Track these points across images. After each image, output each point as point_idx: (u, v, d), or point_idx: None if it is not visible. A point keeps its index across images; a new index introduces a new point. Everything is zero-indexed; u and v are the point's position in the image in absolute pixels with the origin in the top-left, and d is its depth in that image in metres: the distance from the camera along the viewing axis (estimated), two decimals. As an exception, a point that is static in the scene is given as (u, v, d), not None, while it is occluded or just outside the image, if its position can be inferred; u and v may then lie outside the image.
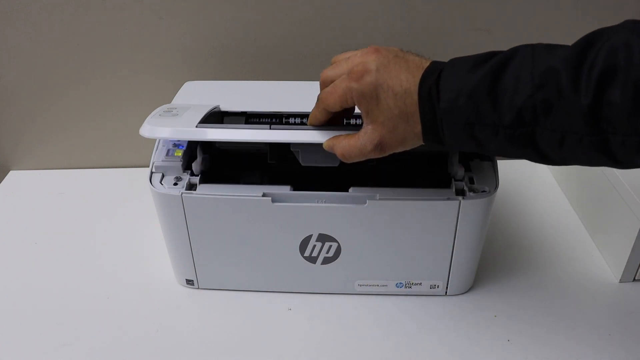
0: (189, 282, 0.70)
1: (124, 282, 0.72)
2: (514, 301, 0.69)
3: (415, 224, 0.62)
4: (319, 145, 0.54)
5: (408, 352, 0.63)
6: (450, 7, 0.82)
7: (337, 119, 0.55)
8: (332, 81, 0.51)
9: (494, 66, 0.43)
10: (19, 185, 0.93)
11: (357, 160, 0.51)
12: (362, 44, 0.53)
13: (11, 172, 0.96)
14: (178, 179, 0.62)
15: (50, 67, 0.85)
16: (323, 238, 0.63)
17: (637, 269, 0.71)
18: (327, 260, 0.65)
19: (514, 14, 0.82)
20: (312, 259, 0.65)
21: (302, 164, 0.60)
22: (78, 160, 0.96)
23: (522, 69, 0.42)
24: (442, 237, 0.63)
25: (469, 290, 0.71)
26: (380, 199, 0.60)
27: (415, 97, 0.46)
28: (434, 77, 0.45)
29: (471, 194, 0.60)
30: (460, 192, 0.60)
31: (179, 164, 0.62)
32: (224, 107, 0.66)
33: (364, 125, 0.50)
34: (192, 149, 0.66)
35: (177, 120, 0.58)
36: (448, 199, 0.59)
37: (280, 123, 0.64)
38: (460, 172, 0.61)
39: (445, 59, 0.47)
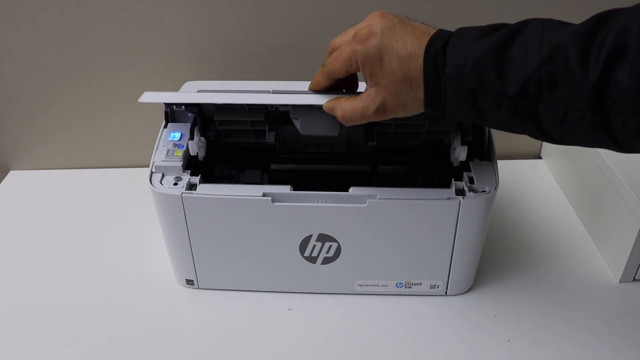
0: (189, 282, 0.70)
1: (124, 282, 0.72)
2: (514, 301, 0.69)
3: (415, 224, 0.62)
4: (319, 112, 0.54)
5: (408, 352, 0.63)
6: (450, 8, 0.82)
7: (338, 88, 0.55)
8: (338, 48, 0.51)
9: (502, 37, 0.43)
10: (19, 185, 0.93)
11: (357, 123, 0.51)
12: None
13: (11, 172, 0.96)
14: (178, 179, 0.62)
15: (50, 67, 0.85)
16: (323, 238, 0.63)
17: (637, 269, 0.71)
18: (327, 260, 0.65)
19: (513, 14, 0.82)
20: (312, 259, 0.65)
21: (302, 133, 0.58)
22: (78, 160, 0.96)
23: (531, 41, 0.42)
24: (442, 237, 0.63)
25: (469, 290, 0.71)
26: (380, 199, 0.60)
27: (420, 61, 0.45)
28: (441, 43, 0.45)
29: (471, 194, 0.60)
30: (460, 192, 0.60)
31: (179, 164, 0.62)
32: None
33: (366, 88, 0.50)
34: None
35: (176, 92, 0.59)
36: (448, 198, 0.59)
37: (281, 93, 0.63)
38: (463, 153, 0.61)
39: None
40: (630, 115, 0.39)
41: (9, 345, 0.64)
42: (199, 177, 0.62)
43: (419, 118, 0.56)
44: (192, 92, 0.62)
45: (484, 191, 0.60)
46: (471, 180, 0.62)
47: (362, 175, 0.69)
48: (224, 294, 0.70)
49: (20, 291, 0.71)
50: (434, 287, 0.68)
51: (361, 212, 0.60)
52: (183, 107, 0.65)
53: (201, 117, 0.65)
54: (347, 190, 0.60)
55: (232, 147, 0.69)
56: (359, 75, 0.52)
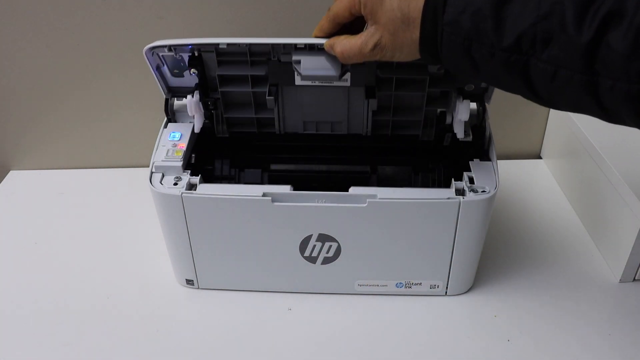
0: (189, 282, 0.70)
1: (124, 282, 0.72)
2: (514, 301, 0.69)
3: (415, 224, 0.62)
4: (321, 54, 0.56)
5: (408, 352, 0.63)
6: None
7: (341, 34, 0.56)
8: None
9: None
10: (19, 185, 0.93)
11: (356, 60, 0.53)
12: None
13: (11, 172, 0.96)
14: (178, 179, 0.62)
15: (50, 68, 0.85)
16: (323, 238, 0.63)
17: (637, 269, 0.71)
18: (327, 260, 0.65)
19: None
20: (312, 259, 0.65)
21: (303, 74, 0.59)
22: (78, 160, 0.96)
23: None
24: (442, 237, 0.63)
25: (469, 290, 0.71)
26: (380, 199, 0.60)
27: (421, 3, 0.46)
28: None
29: (471, 194, 0.60)
30: (460, 192, 0.60)
31: (179, 164, 0.62)
32: None
33: (366, 26, 0.51)
34: (191, 146, 0.66)
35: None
36: (448, 198, 0.59)
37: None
38: (464, 111, 0.62)
39: None
40: (617, 80, 0.40)
41: (9, 345, 0.64)
42: (199, 177, 0.62)
43: (419, 72, 0.59)
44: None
45: (484, 191, 0.60)
46: (471, 180, 0.62)
47: (362, 175, 0.69)
48: (224, 294, 0.70)
49: (20, 291, 0.71)
50: (434, 287, 0.68)
51: (361, 212, 0.60)
52: (187, 58, 0.64)
53: (202, 77, 0.64)
54: (347, 190, 0.60)
55: (231, 135, 0.69)
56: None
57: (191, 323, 0.67)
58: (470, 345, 0.64)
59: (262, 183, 0.69)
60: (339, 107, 0.65)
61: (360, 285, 0.69)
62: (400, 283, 0.68)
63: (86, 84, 0.87)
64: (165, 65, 0.66)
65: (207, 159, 0.69)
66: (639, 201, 0.66)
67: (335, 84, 0.61)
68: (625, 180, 0.69)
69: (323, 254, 0.65)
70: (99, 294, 0.71)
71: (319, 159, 0.69)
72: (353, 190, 0.60)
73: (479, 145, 0.66)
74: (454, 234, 0.62)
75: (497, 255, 0.76)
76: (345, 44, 0.52)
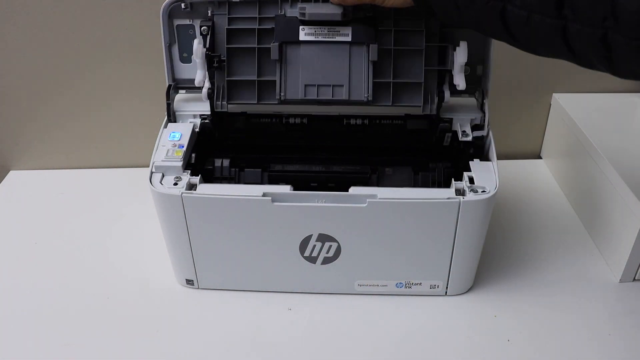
0: (189, 282, 0.70)
1: (124, 282, 0.72)
2: (514, 301, 0.69)
3: (415, 224, 0.62)
4: (325, 3, 0.61)
5: (408, 352, 0.63)
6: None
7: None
8: None
9: None
10: (19, 185, 0.93)
11: (356, 2, 0.59)
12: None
13: (11, 172, 0.96)
14: (178, 179, 0.62)
15: (50, 67, 0.85)
16: (323, 238, 0.63)
17: (637, 269, 0.71)
18: (327, 260, 0.65)
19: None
20: (312, 259, 0.65)
21: (308, 15, 0.62)
22: (78, 160, 0.96)
23: None
24: (442, 237, 0.63)
25: (469, 290, 0.71)
26: (380, 199, 0.60)
27: None
28: None
29: (471, 194, 0.60)
30: (460, 192, 0.60)
31: (179, 164, 0.62)
32: None
33: None
34: (191, 146, 0.66)
35: None
36: (448, 198, 0.59)
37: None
38: (462, 55, 0.63)
39: None
40: (583, 24, 0.43)
41: (9, 345, 0.64)
42: (199, 177, 0.62)
43: (415, 25, 0.63)
44: None
45: (484, 191, 0.60)
46: (471, 180, 0.62)
47: (362, 175, 0.69)
48: (224, 294, 0.70)
49: (20, 291, 0.71)
50: (434, 287, 0.68)
51: (361, 212, 0.60)
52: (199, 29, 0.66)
53: (212, 35, 0.65)
54: (347, 190, 0.60)
55: (229, 111, 0.68)
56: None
57: (191, 323, 0.67)
58: (470, 345, 0.64)
59: (262, 183, 0.69)
60: (340, 69, 0.64)
61: (360, 285, 0.69)
62: (400, 283, 0.68)
63: (86, 84, 0.87)
64: (176, 43, 0.68)
65: (207, 159, 0.69)
66: (639, 201, 0.66)
67: (337, 38, 0.63)
68: (625, 180, 0.69)
69: (323, 254, 0.65)
70: (99, 294, 0.71)
71: (319, 159, 0.69)
72: (353, 190, 0.61)
73: (479, 145, 0.66)
74: (453, 234, 0.62)
75: (497, 255, 0.76)
76: None
